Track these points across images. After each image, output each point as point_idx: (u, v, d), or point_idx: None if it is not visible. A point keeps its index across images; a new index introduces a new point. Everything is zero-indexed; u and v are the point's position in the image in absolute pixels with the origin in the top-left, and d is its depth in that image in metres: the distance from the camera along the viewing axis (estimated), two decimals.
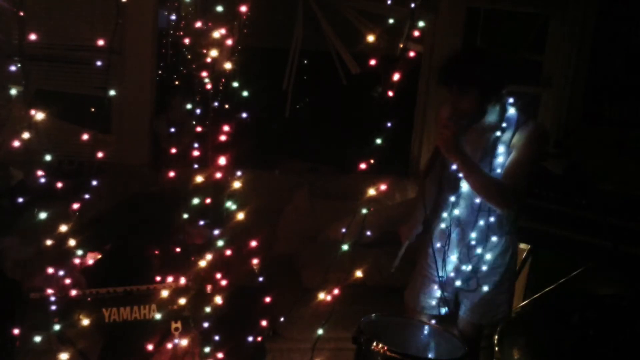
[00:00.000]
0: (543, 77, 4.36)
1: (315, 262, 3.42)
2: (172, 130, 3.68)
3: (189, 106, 2.18)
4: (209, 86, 2.07)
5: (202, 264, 2.15)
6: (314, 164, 5.11)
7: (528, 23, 4.40)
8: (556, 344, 2.39)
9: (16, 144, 1.92)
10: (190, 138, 2.18)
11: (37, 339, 2.11)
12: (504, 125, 2.33)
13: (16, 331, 2.13)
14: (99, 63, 2.14)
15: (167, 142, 3.75)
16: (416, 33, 2.24)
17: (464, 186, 2.41)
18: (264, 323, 2.48)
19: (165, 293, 2.29)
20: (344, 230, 2.18)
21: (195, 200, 2.14)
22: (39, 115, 1.91)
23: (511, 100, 2.35)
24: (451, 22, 4.10)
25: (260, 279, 2.45)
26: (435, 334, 2.31)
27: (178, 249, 2.46)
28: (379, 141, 2.01)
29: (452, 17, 4.10)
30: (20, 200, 2.49)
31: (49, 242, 2.07)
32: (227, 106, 2.15)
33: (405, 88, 2.01)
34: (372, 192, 2.08)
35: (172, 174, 2.22)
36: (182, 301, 2.26)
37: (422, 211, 2.55)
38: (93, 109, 3.45)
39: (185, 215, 2.32)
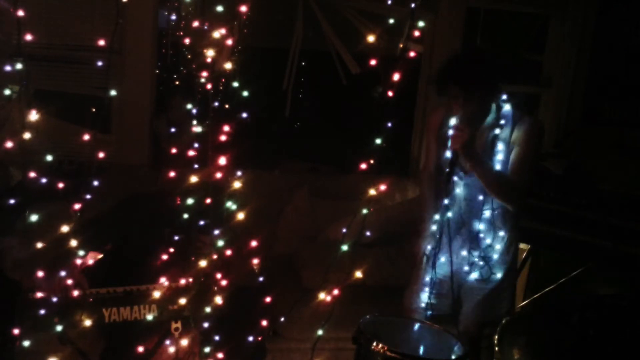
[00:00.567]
0: (543, 77, 4.36)
1: (315, 262, 3.42)
2: (172, 130, 3.68)
3: (189, 106, 2.17)
4: (209, 86, 2.07)
5: (202, 264, 2.15)
6: (314, 164, 5.11)
7: (528, 23, 4.40)
8: (556, 344, 2.39)
9: (16, 144, 1.92)
10: (190, 138, 2.17)
11: (37, 339, 2.11)
12: (501, 122, 2.36)
13: (16, 331, 2.13)
14: (99, 63, 2.14)
15: (167, 142, 3.75)
16: (416, 33, 2.24)
17: (459, 189, 2.43)
18: (264, 323, 2.48)
19: (165, 293, 2.29)
20: (344, 230, 2.18)
21: (195, 201, 2.14)
22: (39, 116, 1.91)
23: (505, 97, 2.37)
24: (451, 22, 4.10)
25: (260, 279, 2.45)
26: (435, 334, 2.31)
27: (178, 249, 2.45)
28: (379, 141, 2.01)
29: (452, 17, 4.09)
30: (21, 200, 2.49)
31: (49, 242, 2.07)
32: (227, 106, 2.15)
33: (405, 88, 2.01)
34: (372, 192, 2.08)
35: (172, 174, 2.22)
36: (182, 301, 2.26)
37: (429, 223, 2.58)
38: (93, 109, 3.45)
39: (186, 215, 2.32)
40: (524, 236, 3.07)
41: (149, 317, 2.28)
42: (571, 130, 4.19)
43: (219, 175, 2.02)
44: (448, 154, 2.47)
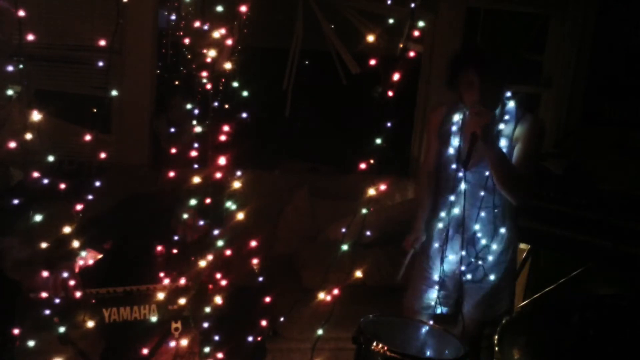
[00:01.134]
0: (543, 77, 4.36)
1: (315, 262, 3.43)
2: (172, 130, 3.68)
3: (189, 106, 2.17)
4: (209, 86, 2.07)
5: (202, 264, 2.15)
6: (314, 164, 5.11)
7: (528, 23, 4.40)
8: (556, 344, 2.39)
9: (16, 144, 1.92)
10: (190, 138, 2.17)
11: (37, 339, 2.11)
12: (505, 118, 2.37)
13: (16, 331, 2.13)
14: (99, 63, 2.14)
15: (167, 142, 3.75)
16: (416, 33, 2.25)
17: (463, 185, 2.43)
18: (264, 323, 2.48)
19: (165, 293, 2.29)
20: (344, 230, 2.18)
21: (195, 200, 2.14)
22: (39, 116, 1.91)
23: (509, 94, 2.39)
24: (451, 22, 4.10)
25: (260, 279, 2.45)
26: (435, 334, 2.31)
27: (178, 249, 2.45)
28: (379, 141, 2.01)
29: (452, 17, 4.09)
30: (21, 200, 2.49)
31: (49, 243, 2.07)
32: (227, 106, 2.15)
33: (405, 88, 2.01)
34: (372, 192, 2.08)
35: (172, 174, 2.22)
36: (182, 301, 2.26)
37: (422, 219, 2.60)
38: (93, 109, 3.45)
39: (185, 216, 2.33)
40: (524, 236, 3.07)
41: (154, 318, 2.28)
42: (571, 130, 4.19)
43: (218, 175, 2.02)
44: (451, 150, 2.48)
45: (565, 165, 3.44)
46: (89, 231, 2.25)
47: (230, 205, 2.12)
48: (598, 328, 2.43)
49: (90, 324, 2.18)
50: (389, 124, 2.03)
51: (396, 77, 1.96)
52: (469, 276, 2.51)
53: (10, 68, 2.00)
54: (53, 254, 2.14)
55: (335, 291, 2.17)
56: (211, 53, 1.98)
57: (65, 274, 2.18)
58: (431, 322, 2.50)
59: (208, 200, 2.16)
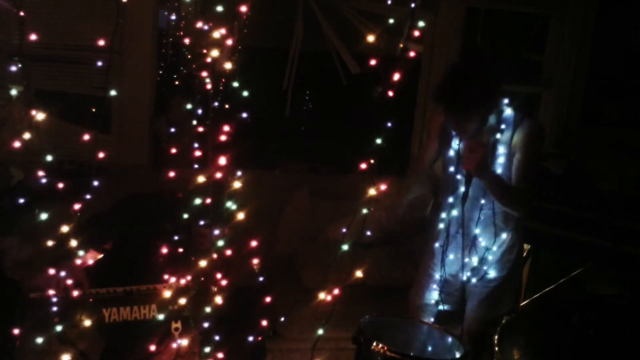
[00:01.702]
0: (543, 77, 4.36)
1: (315, 262, 3.42)
2: (172, 130, 3.68)
3: (189, 106, 2.17)
4: (209, 86, 2.07)
5: (202, 264, 2.15)
6: (314, 164, 5.11)
7: (528, 23, 4.40)
8: (556, 344, 2.39)
9: (16, 144, 1.92)
10: (190, 138, 2.17)
11: (37, 339, 2.11)
12: (502, 126, 2.36)
13: (16, 331, 2.13)
14: (99, 63, 2.14)
15: (167, 142, 3.76)
16: (416, 33, 2.24)
17: (463, 188, 2.43)
18: (264, 323, 2.48)
19: (165, 293, 2.29)
20: (344, 230, 2.18)
21: (195, 201, 2.13)
22: (39, 116, 1.91)
23: (506, 101, 2.38)
24: (451, 22, 4.10)
25: (260, 279, 2.45)
26: (435, 334, 2.31)
27: (178, 249, 2.45)
28: (379, 141, 2.01)
29: (452, 17, 4.09)
30: (21, 200, 2.49)
31: (49, 243, 2.07)
32: (227, 106, 2.15)
33: (405, 88, 2.01)
34: (372, 192, 2.08)
35: (172, 174, 2.22)
36: (182, 301, 2.26)
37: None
38: (93, 109, 3.46)
39: (186, 215, 2.32)
40: (524, 236, 3.07)
41: (149, 317, 2.28)
42: (571, 130, 4.19)
43: (219, 175, 2.02)
44: (451, 152, 2.48)
45: (565, 165, 3.44)
46: (88, 231, 2.25)
47: (230, 205, 2.12)
48: (598, 328, 2.43)
49: (90, 323, 2.18)
50: (389, 124, 2.03)
51: (396, 77, 1.96)
52: (473, 279, 2.52)
53: (10, 68, 2.00)
54: (53, 253, 2.14)
55: (335, 291, 2.17)
56: (211, 53, 1.98)
57: (64, 274, 2.18)
58: (432, 322, 2.50)
59: (208, 200, 2.16)
